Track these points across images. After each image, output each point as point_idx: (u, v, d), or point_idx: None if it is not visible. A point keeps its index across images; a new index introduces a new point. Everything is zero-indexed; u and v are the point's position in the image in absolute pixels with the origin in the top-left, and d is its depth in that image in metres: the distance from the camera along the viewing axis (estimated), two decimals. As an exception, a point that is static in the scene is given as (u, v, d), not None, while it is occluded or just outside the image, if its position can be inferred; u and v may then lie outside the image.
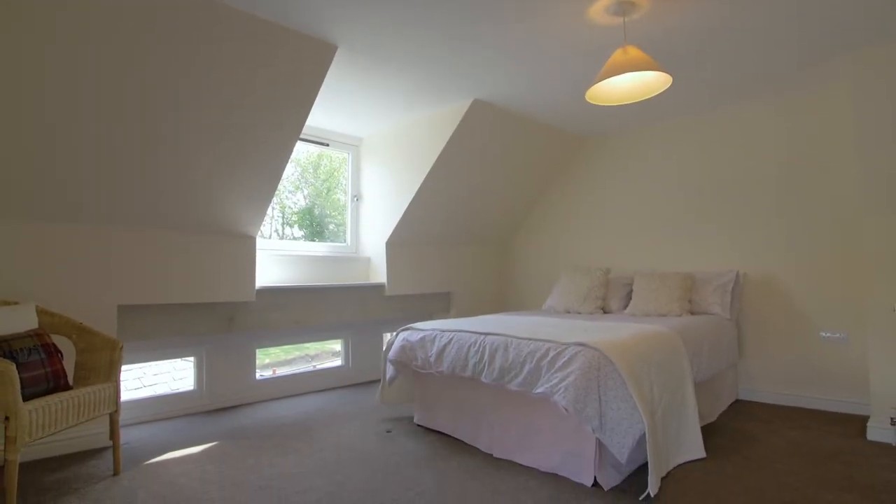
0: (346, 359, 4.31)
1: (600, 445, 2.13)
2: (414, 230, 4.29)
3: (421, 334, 2.94)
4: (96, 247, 2.77)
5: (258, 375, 3.77)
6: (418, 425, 3.03)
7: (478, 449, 2.62)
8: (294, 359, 4.75)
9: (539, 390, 2.23)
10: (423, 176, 3.89)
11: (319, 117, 3.90)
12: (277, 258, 3.85)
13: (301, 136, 3.83)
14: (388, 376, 3.13)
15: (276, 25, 2.50)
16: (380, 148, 4.40)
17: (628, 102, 2.55)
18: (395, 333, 3.15)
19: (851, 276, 3.19)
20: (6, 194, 2.43)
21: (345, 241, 4.51)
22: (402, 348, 3.00)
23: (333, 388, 4.08)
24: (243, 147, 2.91)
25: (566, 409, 2.09)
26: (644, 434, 2.01)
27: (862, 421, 2.92)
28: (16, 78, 2.15)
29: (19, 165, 2.38)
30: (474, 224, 4.75)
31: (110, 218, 2.79)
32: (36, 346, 2.17)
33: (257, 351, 3.78)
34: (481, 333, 2.64)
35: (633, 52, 2.25)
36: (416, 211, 4.10)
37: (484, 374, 2.49)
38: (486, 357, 2.51)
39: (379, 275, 4.27)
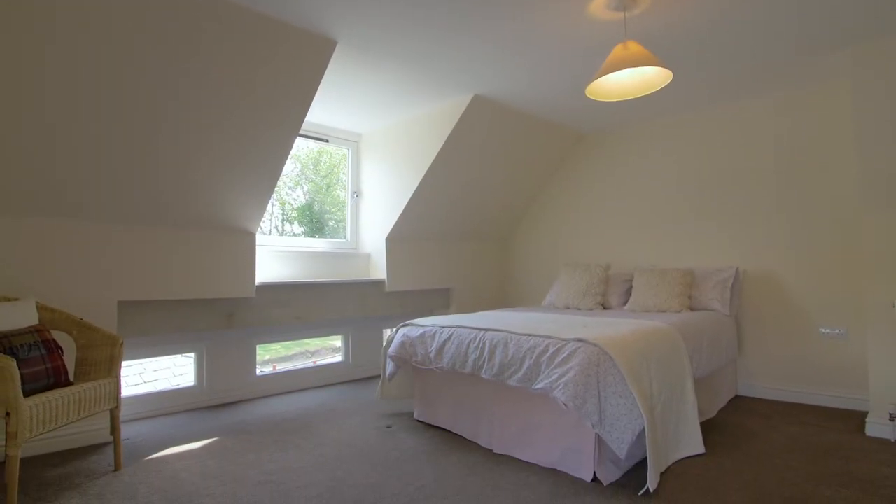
0: (346, 355, 4.32)
1: (600, 441, 2.13)
2: (414, 226, 4.29)
3: (421, 330, 2.94)
4: (96, 243, 2.77)
5: (258, 371, 3.78)
6: (418, 421, 3.03)
7: (478, 444, 2.63)
8: (294, 355, 4.76)
9: (539, 386, 2.23)
10: (423, 172, 3.89)
11: (319, 113, 3.89)
12: (277, 254, 3.85)
13: (301, 132, 3.83)
14: (388, 372, 3.14)
15: (275, 21, 2.49)
16: (379, 144, 4.39)
17: (629, 98, 2.54)
18: (394, 329, 3.15)
19: (851, 272, 3.19)
20: (7, 191, 2.43)
21: (345, 237, 4.51)
22: (402, 344, 3.01)
23: (333, 384, 4.09)
24: (243, 143, 2.91)
25: (566, 405, 2.09)
26: (643, 430, 2.01)
27: (861, 416, 2.92)
28: (16, 77, 2.14)
29: (20, 163, 2.38)
30: (474, 220, 4.74)
31: (110, 214, 2.79)
32: (36, 342, 2.18)
33: (257, 347, 3.78)
34: (481, 329, 2.64)
35: (634, 48, 2.24)
36: (415, 207, 4.10)
37: (484, 370, 2.50)
38: (485, 353, 2.52)
39: (379, 271, 4.27)
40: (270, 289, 3.59)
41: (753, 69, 3.16)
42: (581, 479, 2.17)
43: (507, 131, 4.05)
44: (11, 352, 2.06)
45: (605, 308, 3.89)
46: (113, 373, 2.36)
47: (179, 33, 2.33)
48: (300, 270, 3.96)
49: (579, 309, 3.84)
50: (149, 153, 2.66)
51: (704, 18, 2.52)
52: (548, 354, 2.26)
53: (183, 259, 3.07)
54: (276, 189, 3.67)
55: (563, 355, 2.21)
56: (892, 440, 2.63)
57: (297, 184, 4.48)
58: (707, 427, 2.79)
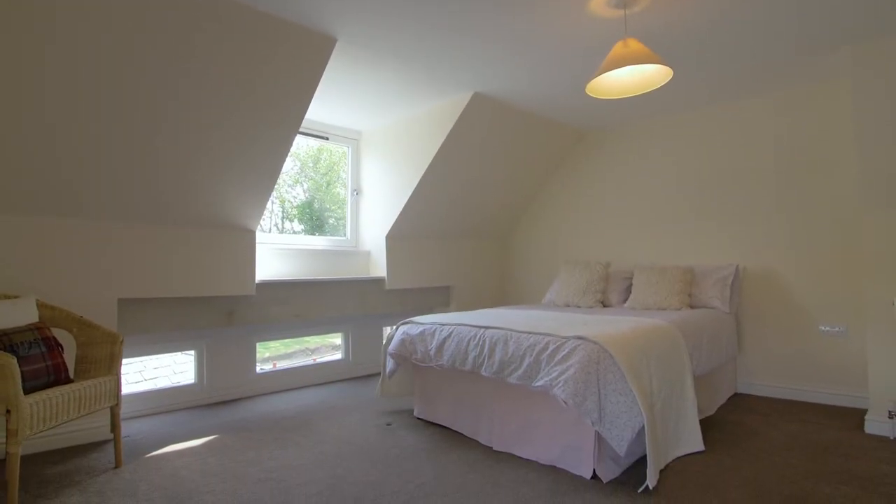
0: (346, 352, 4.32)
1: (599, 438, 2.14)
2: (414, 224, 4.29)
3: (421, 328, 2.95)
4: (97, 241, 2.77)
5: (258, 369, 3.78)
6: (418, 418, 3.04)
7: (477, 442, 2.63)
8: (294, 352, 4.77)
9: (539, 383, 2.23)
10: (423, 170, 3.88)
11: (319, 111, 3.89)
12: (277, 252, 3.85)
13: (300, 129, 3.83)
14: (387, 370, 3.14)
15: (275, 18, 2.48)
16: (380, 141, 4.39)
17: (629, 96, 2.54)
18: (394, 327, 3.16)
19: (851, 270, 3.19)
20: (7, 190, 2.43)
21: (345, 234, 4.51)
22: (402, 342, 3.01)
23: (333, 382, 4.09)
24: (243, 141, 2.90)
25: (566, 403, 2.09)
26: (643, 427, 2.02)
27: (860, 414, 2.93)
28: (16, 77, 2.14)
29: (20, 162, 2.37)
30: (474, 218, 4.74)
31: (111, 212, 2.79)
32: (37, 340, 2.18)
33: (257, 344, 3.78)
34: (481, 327, 2.64)
35: (634, 45, 2.24)
36: (415, 205, 4.10)
37: (484, 368, 2.50)
38: (485, 350, 2.52)
39: (379, 269, 4.28)
40: (270, 286, 3.59)
41: (753, 69, 3.16)
42: (581, 477, 2.17)
43: (507, 129, 4.05)
44: (12, 349, 2.06)
45: (605, 306, 3.90)
46: (113, 370, 2.36)
47: (179, 33, 2.33)
48: (300, 268, 3.96)
49: (579, 307, 3.84)
50: (149, 152, 2.66)
51: (704, 17, 2.52)
52: (548, 352, 2.26)
53: (183, 257, 3.07)
54: (276, 187, 3.66)
55: (563, 353, 2.21)
56: (892, 437, 2.63)
57: (297, 181, 4.48)
58: (707, 424, 2.79)
